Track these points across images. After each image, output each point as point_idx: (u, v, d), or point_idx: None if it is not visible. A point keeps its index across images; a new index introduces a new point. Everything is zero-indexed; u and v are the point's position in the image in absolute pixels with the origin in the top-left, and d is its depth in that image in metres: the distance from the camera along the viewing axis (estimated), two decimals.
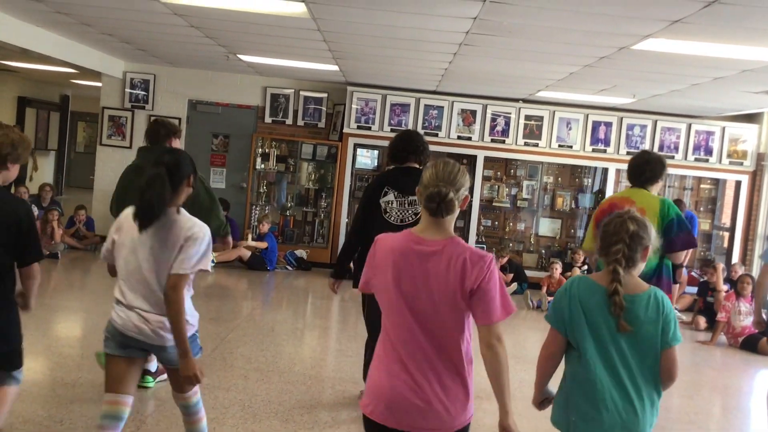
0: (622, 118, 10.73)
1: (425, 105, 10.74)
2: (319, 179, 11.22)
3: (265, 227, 10.48)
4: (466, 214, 10.67)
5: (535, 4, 4.98)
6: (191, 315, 3.35)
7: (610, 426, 2.75)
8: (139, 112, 11.32)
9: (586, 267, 9.88)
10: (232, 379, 5.40)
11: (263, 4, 5.88)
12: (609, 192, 10.42)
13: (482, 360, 2.57)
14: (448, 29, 6.15)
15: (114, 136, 11.39)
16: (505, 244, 10.99)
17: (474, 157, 10.64)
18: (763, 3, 4.44)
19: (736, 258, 10.52)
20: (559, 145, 10.75)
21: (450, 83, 9.75)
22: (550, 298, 9.28)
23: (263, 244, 10.40)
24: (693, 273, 10.45)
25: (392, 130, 10.09)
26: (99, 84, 11.65)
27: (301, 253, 10.88)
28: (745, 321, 8.19)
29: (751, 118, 10.68)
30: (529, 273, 10.57)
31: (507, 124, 10.74)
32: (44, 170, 16.92)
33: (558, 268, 9.98)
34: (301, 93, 11.27)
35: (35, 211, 8.86)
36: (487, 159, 10.76)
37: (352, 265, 5.09)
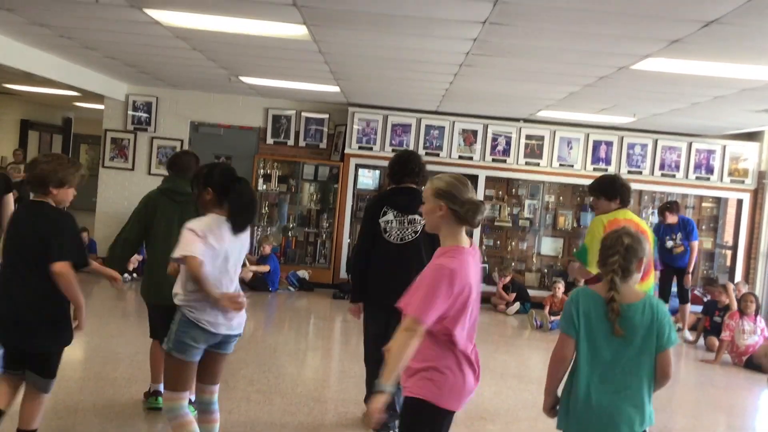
0: (622, 137, 10.75)
1: (426, 125, 10.78)
2: (321, 200, 11.24)
3: (267, 249, 10.46)
4: (468, 234, 10.62)
5: (535, 25, 5.01)
6: None
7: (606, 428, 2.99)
8: (142, 134, 11.37)
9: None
10: (234, 401, 5.37)
11: (265, 27, 5.90)
12: None
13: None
14: (449, 50, 6.19)
15: (116, 158, 11.44)
16: (507, 264, 10.98)
17: (475, 177, 10.64)
18: (760, 22, 4.47)
19: (738, 276, 10.49)
20: (560, 165, 10.77)
21: (451, 103, 9.79)
22: (553, 318, 9.25)
23: (265, 268, 10.34)
24: (696, 292, 10.41)
25: (393, 151, 10.09)
26: (101, 106, 11.70)
27: (303, 273, 10.86)
28: (749, 339, 8.15)
29: (752, 136, 10.69)
30: (531, 292, 10.56)
31: (508, 143, 10.77)
32: None
33: (560, 287, 9.95)
34: (303, 114, 11.32)
35: None
36: (488, 178, 10.78)
37: (350, 281, 5.04)
